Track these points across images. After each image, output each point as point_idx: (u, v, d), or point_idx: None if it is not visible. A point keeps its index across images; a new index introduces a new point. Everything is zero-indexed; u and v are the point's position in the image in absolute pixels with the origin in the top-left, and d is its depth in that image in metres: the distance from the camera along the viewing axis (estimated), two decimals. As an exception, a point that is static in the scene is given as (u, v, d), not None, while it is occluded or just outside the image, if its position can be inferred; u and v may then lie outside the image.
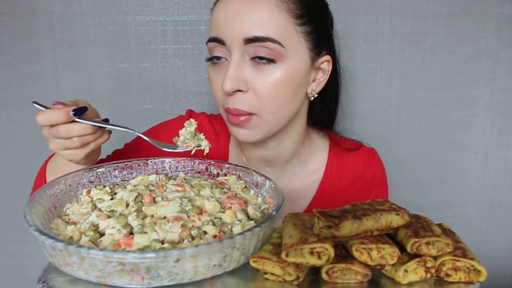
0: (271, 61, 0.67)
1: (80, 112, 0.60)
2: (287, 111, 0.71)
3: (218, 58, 0.70)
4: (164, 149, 0.66)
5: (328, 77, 0.75)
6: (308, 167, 0.84)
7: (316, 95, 0.75)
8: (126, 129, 0.64)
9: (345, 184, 0.84)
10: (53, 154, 0.75)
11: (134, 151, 0.85)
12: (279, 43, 0.66)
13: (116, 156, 0.85)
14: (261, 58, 0.66)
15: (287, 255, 0.46)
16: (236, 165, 0.68)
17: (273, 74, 0.67)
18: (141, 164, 0.69)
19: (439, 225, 0.56)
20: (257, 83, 0.67)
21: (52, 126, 0.60)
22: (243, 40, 0.66)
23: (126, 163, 0.68)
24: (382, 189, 0.88)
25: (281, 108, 0.70)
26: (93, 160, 0.69)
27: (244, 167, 0.67)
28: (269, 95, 0.68)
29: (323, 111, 0.84)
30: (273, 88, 0.67)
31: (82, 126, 0.60)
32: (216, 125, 0.86)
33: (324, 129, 0.88)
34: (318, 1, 0.74)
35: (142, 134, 0.88)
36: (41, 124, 0.60)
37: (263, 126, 0.71)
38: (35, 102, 0.62)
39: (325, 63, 0.74)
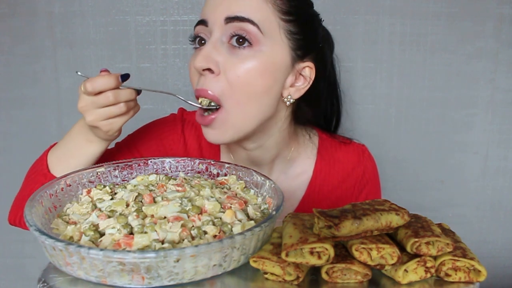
0: (247, 44, 0.66)
1: (126, 77, 0.64)
2: (256, 107, 0.69)
3: (201, 39, 0.70)
4: (191, 103, 0.70)
5: (309, 85, 0.74)
6: (297, 167, 0.83)
7: (292, 101, 0.73)
8: (166, 93, 0.68)
9: (335, 183, 0.84)
10: (53, 145, 0.75)
11: (124, 151, 0.84)
12: (258, 28, 0.66)
13: (108, 155, 0.83)
14: (238, 38, 0.66)
15: (287, 255, 0.46)
16: (236, 165, 0.68)
17: (247, 60, 0.66)
18: (141, 164, 0.69)
19: (439, 225, 0.56)
20: (229, 66, 0.66)
21: (98, 94, 0.62)
22: (224, 18, 0.66)
23: (126, 163, 0.68)
24: (374, 186, 0.87)
25: (250, 100, 0.68)
26: (115, 138, 0.71)
27: (244, 167, 0.67)
28: (238, 81, 0.66)
29: (309, 117, 0.83)
30: (244, 73, 0.66)
31: (129, 91, 0.64)
32: None
33: (314, 128, 0.87)
34: (309, 11, 0.75)
35: (135, 132, 0.89)
36: (92, 90, 0.61)
37: (229, 124, 0.69)
38: (78, 72, 0.64)
39: (306, 69, 0.73)
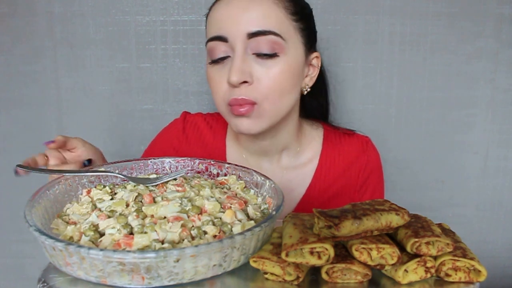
0: (273, 52, 0.70)
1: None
2: (287, 101, 0.74)
3: (222, 58, 0.72)
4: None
5: (318, 72, 0.80)
6: (304, 156, 0.87)
7: (308, 89, 0.80)
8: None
9: (340, 171, 0.87)
10: None
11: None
12: (280, 36, 0.70)
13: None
14: (263, 49, 0.70)
15: (287, 255, 0.46)
16: (236, 165, 0.69)
17: (276, 66, 0.71)
18: (141, 164, 0.69)
19: (439, 225, 0.56)
20: (261, 75, 0.70)
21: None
22: (246, 34, 0.69)
23: (126, 163, 0.68)
24: (377, 176, 0.90)
25: (282, 98, 0.73)
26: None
27: (244, 167, 0.67)
28: (272, 85, 0.71)
29: (314, 106, 0.89)
30: (276, 78, 0.71)
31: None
32: (212, 122, 0.89)
33: (318, 121, 0.92)
34: (306, 5, 0.79)
35: (145, 151, 0.91)
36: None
37: (265, 117, 0.73)
38: (20, 166, 0.64)
39: (315, 59, 0.80)
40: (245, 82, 0.70)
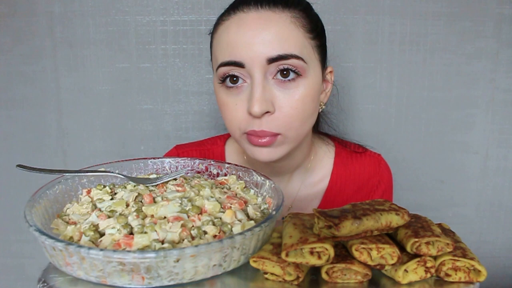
0: (295, 76, 0.65)
1: None
2: (308, 125, 0.71)
3: (235, 78, 0.67)
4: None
5: (331, 87, 0.76)
6: (314, 176, 0.83)
7: (324, 106, 0.76)
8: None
9: (350, 193, 0.84)
10: None
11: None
12: (302, 59, 0.65)
13: None
14: (285, 74, 0.65)
15: (287, 255, 0.46)
16: (236, 165, 0.68)
17: (298, 90, 0.66)
18: (141, 164, 0.69)
19: (439, 225, 0.56)
20: (284, 103, 0.65)
21: None
22: (266, 60, 0.64)
23: (126, 163, 0.68)
24: (387, 195, 0.87)
25: (304, 123, 0.69)
26: None
27: (244, 167, 0.67)
28: (296, 112, 0.66)
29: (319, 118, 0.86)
30: (300, 104, 0.66)
31: None
32: (207, 153, 0.86)
33: (328, 136, 0.88)
34: (319, 19, 0.74)
35: None
36: None
37: (286, 145, 0.69)
38: (20, 166, 0.61)
39: (329, 74, 0.75)
40: (267, 112, 0.65)
